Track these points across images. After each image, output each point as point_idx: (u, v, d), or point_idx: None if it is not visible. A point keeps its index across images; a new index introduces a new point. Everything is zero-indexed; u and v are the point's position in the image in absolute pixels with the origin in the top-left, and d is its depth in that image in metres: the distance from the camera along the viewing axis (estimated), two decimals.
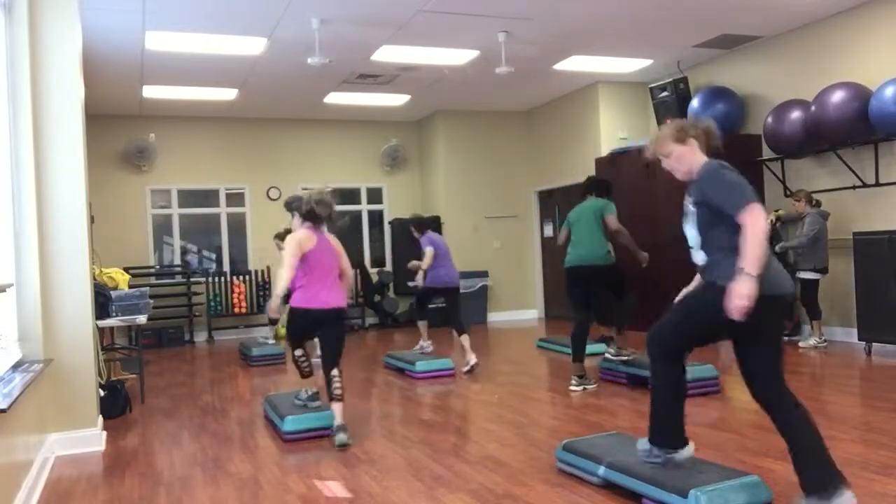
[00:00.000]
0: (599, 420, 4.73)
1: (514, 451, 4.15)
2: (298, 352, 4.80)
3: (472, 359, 6.69)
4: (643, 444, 3.22)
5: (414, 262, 7.21)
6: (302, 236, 4.52)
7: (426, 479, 3.69)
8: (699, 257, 3.03)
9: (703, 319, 2.95)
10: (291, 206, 4.77)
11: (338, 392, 4.46)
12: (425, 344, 7.37)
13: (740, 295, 2.67)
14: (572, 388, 5.69)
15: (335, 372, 4.51)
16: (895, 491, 3.17)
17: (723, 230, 2.88)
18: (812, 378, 5.85)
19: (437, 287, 7.07)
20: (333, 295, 4.56)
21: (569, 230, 5.97)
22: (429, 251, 6.98)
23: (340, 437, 4.34)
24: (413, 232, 7.29)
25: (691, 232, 3.05)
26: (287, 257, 4.40)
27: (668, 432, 3.14)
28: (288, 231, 8.19)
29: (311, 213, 4.56)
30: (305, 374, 4.88)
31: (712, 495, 2.86)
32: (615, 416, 4.85)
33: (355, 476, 3.81)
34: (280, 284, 4.36)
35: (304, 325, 4.65)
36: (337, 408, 4.44)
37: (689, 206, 3.04)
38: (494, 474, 3.72)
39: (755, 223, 2.74)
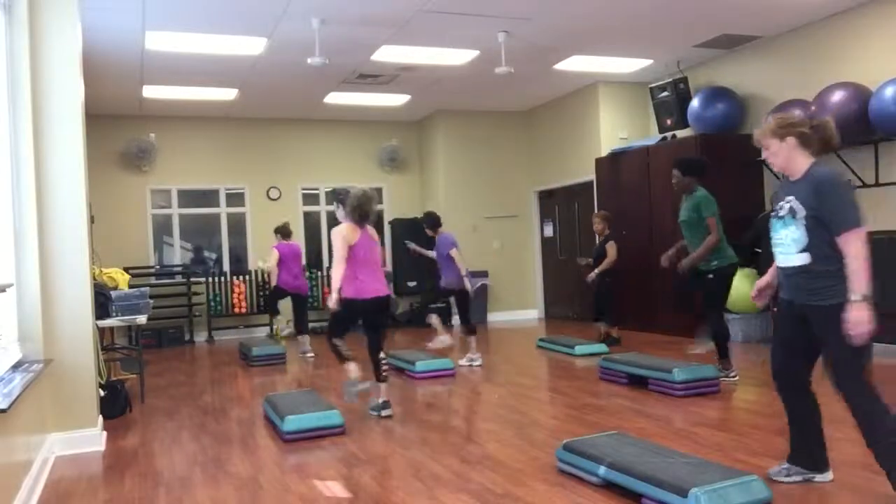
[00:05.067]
0: (599, 420, 4.73)
1: (514, 451, 4.15)
2: (339, 340, 5.08)
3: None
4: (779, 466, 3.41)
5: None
6: (346, 230, 4.92)
7: (426, 479, 3.69)
8: (800, 258, 3.11)
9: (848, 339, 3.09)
10: (339, 197, 5.14)
11: (385, 374, 5.08)
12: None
13: (862, 322, 3.02)
14: None
15: (382, 355, 5.08)
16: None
17: (826, 240, 3.04)
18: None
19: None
20: (379, 284, 5.02)
21: None
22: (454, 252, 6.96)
23: (388, 411, 5.01)
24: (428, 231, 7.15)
25: (787, 231, 3.13)
26: (337, 252, 4.85)
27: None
28: (285, 225, 8.31)
29: (361, 210, 4.98)
30: (346, 358, 5.10)
31: (712, 495, 2.87)
32: (615, 416, 4.85)
33: (355, 476, 3.81)
34: (336, 277, 4.81)
35: (353, 314, 5.00)
36: (383, 388, 5.06)
37: (790, 205, 3.10)
38: (494, 474, 3.72)
39: (861, 247, 3.01)
